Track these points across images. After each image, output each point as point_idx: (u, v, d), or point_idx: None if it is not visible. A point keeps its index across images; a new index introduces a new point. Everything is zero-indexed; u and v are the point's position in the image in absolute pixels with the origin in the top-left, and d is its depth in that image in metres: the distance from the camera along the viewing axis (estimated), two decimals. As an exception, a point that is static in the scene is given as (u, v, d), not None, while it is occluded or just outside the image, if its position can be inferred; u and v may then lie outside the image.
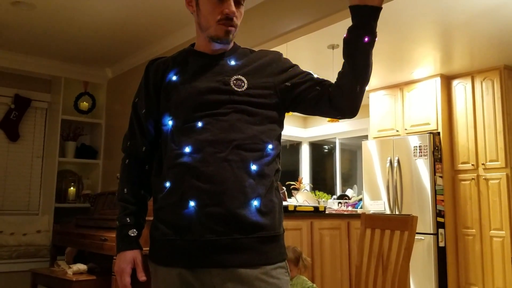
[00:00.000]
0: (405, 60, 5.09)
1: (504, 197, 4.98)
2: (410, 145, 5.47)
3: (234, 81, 1.40)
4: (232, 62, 1.46)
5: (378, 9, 1.33)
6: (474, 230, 5.19)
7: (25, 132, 5.55)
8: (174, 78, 1.46)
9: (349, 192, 6.64)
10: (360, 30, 1.33)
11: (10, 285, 4.63)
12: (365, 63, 1.36)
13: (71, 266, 3.76)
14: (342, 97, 1.39)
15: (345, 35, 1.36)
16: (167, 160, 1.40)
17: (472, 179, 5.27)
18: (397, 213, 5.44)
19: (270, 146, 1.40)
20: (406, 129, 5.77)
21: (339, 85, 1.40)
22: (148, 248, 1.46)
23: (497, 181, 5.06)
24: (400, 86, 5.89)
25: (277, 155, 1.45)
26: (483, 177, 5.18)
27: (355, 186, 6.87)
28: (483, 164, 5.20)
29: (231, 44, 1.51)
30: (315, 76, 1.47)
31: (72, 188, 5.65)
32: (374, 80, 5.88)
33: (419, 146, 5.38)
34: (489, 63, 5.17)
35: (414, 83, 5.76)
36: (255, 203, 1.32)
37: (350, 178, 7.34)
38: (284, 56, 1.55)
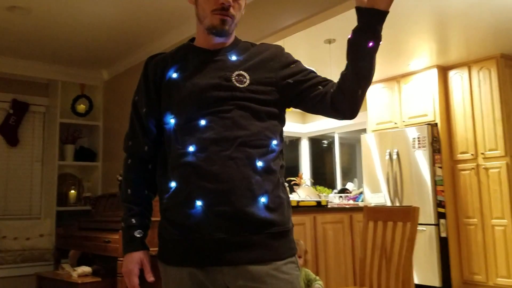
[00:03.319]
0: (402, 52, 5.10)
1: (504, 186, 5.00)
2: (408, 137, 5.48)
3: (236, 77, 1.39)
4: (233, 57, 1.44)
5: (385, 13, 1.31)
6: (475, 220, 5.21)
7: (24, 137, 5.54)
8: (175, 75, 1.44)
9: (349, 185, 6.65)
10: (365, 34, 1.31)
11: (15, 290, 4.64)
12: (369, 67, 1.34)
13: (75, 268, 3.77)
14: (344, 100, 1.38)
15: (349, 36, 1.33)
16: (171, 160, 1.39)
17: (472, 168, 5.28)
18: (397, 205, 5.45)
19: (274, 142, 1.39)
20: (404, 121, 5.78)
21: (341, 87, 1.37)
22: (155, 249, 1.46)
23: (497, 169, 5.07)
24: (397, 79, 5.90)
25: (281, 151, 1.44)
26: (483, 167, 5.19)
27: (355, 179, 6.88)
28: (482, 153, 5.21)
29: (231, 38, 1.49)
30: (318, 75, 1.45)
31: (72, 191, 5.65)
32: (371, 73, 5.88)
33: (418, 138, 5.39)
34: (485, 52, 5.17)
35: (411, 75, 5.76)
36: (263, 199, 1.31)
37: (350, 172, 7.36)
38: None
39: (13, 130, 5.45)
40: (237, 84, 1.38)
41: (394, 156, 5.60)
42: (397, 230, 2.82)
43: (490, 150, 5.15)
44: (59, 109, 5.49)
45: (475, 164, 5.27)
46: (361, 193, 6.13)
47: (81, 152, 5.74)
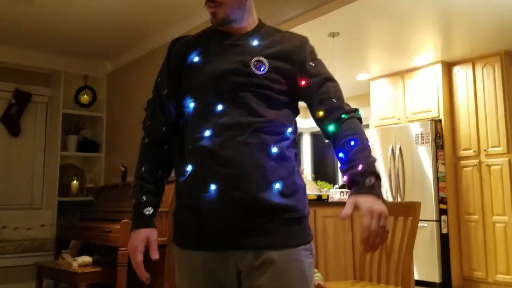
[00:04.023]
0: (406, 47, 5.08)
1: (506, 183, 4.98)
2: (411, 133, 5.46)
3: (255, 63, 1.38)
4: (255, 42, 1.43)
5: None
6: (476, 216, 5.20)
7: (26, 127, 5.54)
8: (196, 59, 1.44)
9: (351, 181, 6.63)
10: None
11: (15, 279, 4.66)
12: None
13: (76, 258, 3.78)
14: (331, 140, 1.42)
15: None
16: (188, 144, 1.40)
17: (474, 165, 5.27)
18: (399, 200, 5.45)
19: (289, 130, 1.40)
20: (407, 117, 5.77)
21: (333, 139, 1.40)
22: (163, 238, 1.46)
23: (499, 166, 5.06)
24: (401, 74, 5.87)
25: (295, 140, 1.44)
26: (485, 163, 5.18)
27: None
28: (485, 150, 5.19)
29: (249, 21, 1.48)
30: (329, 85, 1.44)
31: (75, 182, 5.65)
32: (375, 69, 5.87)
33: (421, 134, 5.38)
34: (490, 49, 5.15)
35: (415, 70, 5.74)
36: (277, 185, 1.32)
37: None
38: None
39: (15, 120, 5.45)
40: (255, 71, 1.37)
41: (397, 152, 5.58)
42: (398, 225, 2.81)
43: (492, 146, 5.14)
44: (62, 100, 5.48)
45: (477, 160, 5.25)
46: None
47: (84, 143, 5.75)
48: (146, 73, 4.94)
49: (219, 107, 1.35)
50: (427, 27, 4.53)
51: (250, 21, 1.48)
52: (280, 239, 1.31)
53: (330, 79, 1.46)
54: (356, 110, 1.43)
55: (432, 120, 5.37)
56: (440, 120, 5.42)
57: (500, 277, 4.94)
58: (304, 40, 1.49)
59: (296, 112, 1.48)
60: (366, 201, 1.24)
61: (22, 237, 4.98)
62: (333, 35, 4.65)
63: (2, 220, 5.02)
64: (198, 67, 1.42)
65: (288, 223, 1.33)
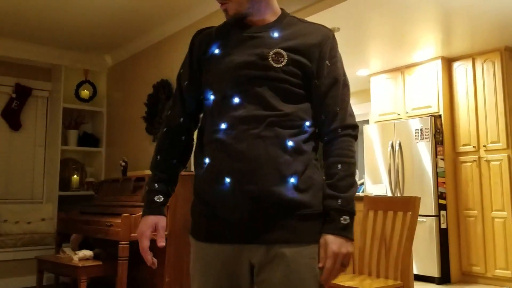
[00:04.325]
0: (406, 43, 5.08)
1: (505, 178, 5.00)
2: (411, 128, 5.47)
3: (273, 55, 1.36)
4: (275, 34, 1.40)
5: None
6: (475, 212, 5.21)
7: (26, 121, 5.55)
8: (216, 51, 1.44)
9: (350, 176, 6.65)
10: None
11: (16, 273, 4.68)
12: None
13: (76, 252, 3.79)
14: (323, 147, 1.43)
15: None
16: (206, 136, 1.41)
17: (474, 161, 5.28)
18: (399, 195, 5.46)
19: (307, 123, 1.38)
20: (407, 113, 5.77)
21: (324, 149, 1.41)
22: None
23: (498, 162, 5.07)
24: (401, 69, 5.88)
25: (315, 133, 1.41)
26: (485, 159, 5.19)
27: (356, 170, 6.88)
28: (484, 145, 5.20)
29: (270, 12, 1.45)
30: (336, 93, 1.40)
31: (75, 176, 5.67)
32: (375, 64, 5.87)
33: (421, 129, 5.39)
34: (489, 45, 5.15)
35: (415, 66, 5.74)
36: (292, 180, 1.30)
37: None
38: None
39: (15, 115, 5.46)
40: (273, 63, 1.35)
41: (397, 148, 5.59)
42: (397, 219, 2.83)
43: (492, 142, 5.15)
44: (62, 94, 5.49)
45: (476, 156, 5.26)
46: (362, 183, 6.13)
47: (84, 138, 5.76)
48: (146, 67, 4.95)
49: (236, 100, 1.35)
50: (427, 22, 4.53)
51: (269, 13, 1.45)
52: (293, 235, 1.30)
53: (341, 82, 1.42)
54: (354, 127, 1.41)
55: (431, 115, 5.37)
56: (440, 116, 5.42)
57: (499, 272, 4.96)
58: (327, 35, 1.44)
59: None
60: (334, 243, 1.29)
61: (22, 231, 5.00)
62: (333, 30, 4.65)
63: (3, 214, 5.03)
64: (217, 59, 1.42)
65: (302, 219, 1.31)
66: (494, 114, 5.14)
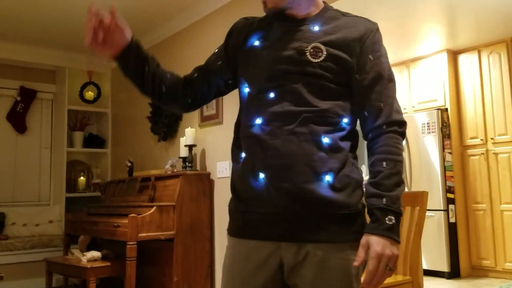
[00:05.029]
0: (411, 36, 5.04)
1: (514, 171, 4.96)
2: (418, 123, 5.44)
3: (311, 50, 1.32)
4: (316, 28, 1.36)
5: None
6: (484, 205, 5.18)
7: (32, 124, 5.57)
8: (256, 43, 1.41)
9: (357, 172, 6.63)
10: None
11: (25, 275, 4.69)
12: None
13: (85, 253, 3.80)
14: (366, 144, 1.38)
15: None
16: (241, 130, 1.39)
17: (481, 154, 5.24)
18: (406, 190, 5.43)
19: (345, 120, 1.33)
20: (413, 107, 5.74)
21: (368, 146, 1.37)
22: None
23: (507, 155, 5.03)
24: (406, 63, 5.84)
25: (353, 131, 1.37)
26: (492, 152, 5.15)
27: (362, 166, 6.85)
28: (492, 138, 5.16)
29: (312, 7, 1.41)
30: (383, 87, 1.35)
31: (82, 177, 5.68)
32: (380, 58, 5.82)
33: (427, 123, 5.35)
34: (495, 36, 5.10)
35: (420, 59, 5.70)
36: (328, 178, 1.26)
37: (357, 158, 7.33)
38: None
39: (21, 117, 5.47)
40: (310, 58, 1.31)
41: (403, 142, 5.55)
42: (405, 215, 2.81)
43: (499, 135, 5.10)
44: (67, 96, 5.50)
45: (484, 149, 5.22)
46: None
47: (90, 139, 5.77)
48: (150, 67, 4.94)
49: (271, 95, 1.32)
50: (432, 15, 4.49)
51: (311, 6, 1.40)
52: (326, 234, 1.27)
53: (386, 77, 1.36)
54: (401, 123, 1.35)
55: (438, 109, 5.34)
56: (447, 109, 5.39)
57: (509, 265, 4.92)
58: (369, 29, 1.38)
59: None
60: (377, 244, 1.23)
61: (31, 234, 5.01)
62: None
63: (11, 217, 5.05)
64: (256, 51, 1.39)
65: (336, 218, 1.27)
66: (501, 106, 5.10)
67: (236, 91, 1.52)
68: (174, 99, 1.48)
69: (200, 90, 1.49)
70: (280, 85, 1.32)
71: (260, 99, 1.34)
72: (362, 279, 1.29)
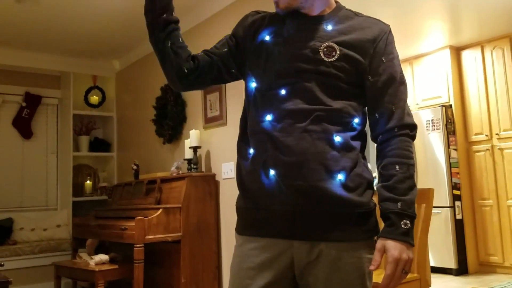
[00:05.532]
0: (413, 33, 5.03)
1: (520, 166, 4.94)
2: (422, 120, 5.43)
3: (325, 49, 1.32)
4: (329, 27, 1.36)
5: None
6: (491, 201, 5.16)
7: (38, 129, 5.60)
8: (267, 38, 1.39)
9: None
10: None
11: (34, 280, 4.72)
12: None
13: (93, 257, 3.82)
14: (376, 147, 1.39)
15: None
16: (250, 125, 1.38)
17: (487, 149, 5.23)
18: (412, 188, 5.42)
19: (356, 120, 1.33)
20: (417, 104, 5.73)
21: (378, 149, 1.37)
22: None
23: (512, 150, 5.02)
24: (409, 61, 5.83)
25: (363, 131, 1.37)
26: (498, 147, 5.14)
27: (368, 164, 6.85)
28: (497, 134, 5.15)
29: (325, 5, 1.40)
30: (395, 89, 1.36)
31: (88, 181, 5.71)
32: (383, 56, 5.82)
33: (432, 120, 5.34)
34: (498, 31, 5.09)
35: (423, 56, 5.70)
36: (340, 176, 1.26)
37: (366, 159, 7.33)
38: None
39: (26, 123, 5.50)
40: (324, 57, 1.31)
41: (408, 139, 5.55)
42: (411, 211, 2.80)
43: (504, 130, 5.09)
44: (72, 101, 5.54)
45: (489, 145, 5.21)
46: (375, 177, 6.10)
47: (95, 143, 5.80)
48: (155, 70, 4.96)
49: (283, 92, 1.31)
50: (434, 11, 4.49)
51: (323, 5, 1.40)
52: (339, 233, 1.26)
53: (398, 79, 1.37)
54: (413, 127, 1.36)
55: (442, 106, 5.33)
56: (451, 106, 5.38)
57: (517, 261, 4.91)
58: (383, 30, 1.38)
59: (365, 103, 1.40)
60: (394, 249, 1.24)
61: (39, 238, 5.05)
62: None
63: (19, 222, 5.09)
64: (267, 47, 1.38)
65: (350, 217, 1.27)
66: (506, 102, 5.08)
67: (238, 91, 1.52)
68: (175, 55, 1.42)
69: (200, 65, 1.41)
70: (292, 82, 1.31)
71: (270, 96, 1.33)
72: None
